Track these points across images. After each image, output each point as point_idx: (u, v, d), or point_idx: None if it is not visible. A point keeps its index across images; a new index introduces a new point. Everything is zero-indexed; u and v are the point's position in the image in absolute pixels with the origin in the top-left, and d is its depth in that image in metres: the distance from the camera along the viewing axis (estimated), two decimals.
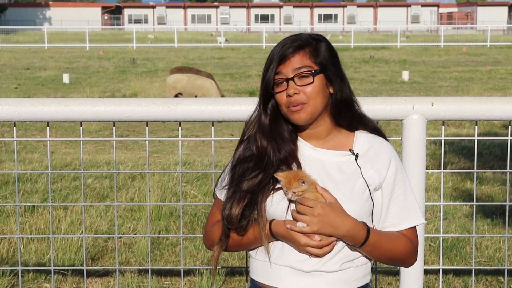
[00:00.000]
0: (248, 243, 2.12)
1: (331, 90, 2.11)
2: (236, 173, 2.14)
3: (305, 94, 2.06)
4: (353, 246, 2.05)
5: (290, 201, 2.04)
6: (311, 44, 2.10)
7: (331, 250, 2.02)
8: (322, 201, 2.00)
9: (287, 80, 2.07)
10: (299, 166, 2.10)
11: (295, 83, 2.06)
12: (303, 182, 2.00)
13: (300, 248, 2.02)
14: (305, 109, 2.07)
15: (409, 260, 2.15)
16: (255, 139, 2.14)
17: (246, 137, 2.20)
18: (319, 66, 2.08)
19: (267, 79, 2.09)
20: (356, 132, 2.17)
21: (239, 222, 2.07)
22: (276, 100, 2.11)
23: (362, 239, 2.02)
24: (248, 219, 2.08)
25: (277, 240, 2.07)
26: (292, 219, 2.03)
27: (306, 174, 2.05)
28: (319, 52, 2.09)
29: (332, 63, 2.10)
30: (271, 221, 2.06)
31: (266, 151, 2.11)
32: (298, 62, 2.07)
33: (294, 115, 2.08)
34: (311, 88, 2.06)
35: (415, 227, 2.15)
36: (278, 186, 2.07)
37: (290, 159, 2.11)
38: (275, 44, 2.15)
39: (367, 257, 2.11)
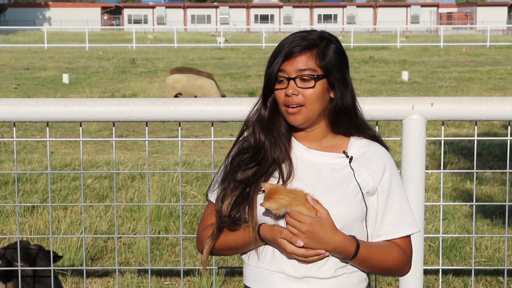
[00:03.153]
0: (238, 246, 2.09)
1: (332, 95, 2.07)
2: (233, 164, 2.11)
3: (304, 96, 2.03)
4: (342, 260, 2.02)
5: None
6: (319, 45, 2.04)
7: (319, 259, 1.99)
8: (313, 213, 1.95)
9: (289, 79, 2.04)
10: (291, 165, 2.07)
11: (296, 84, 2.03)
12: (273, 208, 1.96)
13: (287, 255, 2.00)
14: (302, 112, 2.04)
15: (402, 270, 2.12)
16: (254, 131, 2.12)
17: (242, 137, 2.18)
18: (323, 70, 2.03)
19: (270, 74, 2.06)
20: (352, 136, 2.13)
21: (229, 211, 2.04)
22: (275, 96, 2.08)
23: (351, 254, 1.99)
24: (239, 209, 2.04)
25: (266, 244, 2.04)
26: (281, 225, 2.00)
27: (286, 193, 1.98)
28: (326, 55, 2.04)
29: (337, 68, 2.05)
30: (260, 225, 2.03)
31: (263, 144, 2.09)
32: (303, 63, 2.03)
33: (290, 116, 2.06)
34: (311, 92, 2.03)
35: (409, 236, 2.11)
36: (270, 182, 2.05)
37: (283, 158, 2.07)
38: (274, 45, 2.12)
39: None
